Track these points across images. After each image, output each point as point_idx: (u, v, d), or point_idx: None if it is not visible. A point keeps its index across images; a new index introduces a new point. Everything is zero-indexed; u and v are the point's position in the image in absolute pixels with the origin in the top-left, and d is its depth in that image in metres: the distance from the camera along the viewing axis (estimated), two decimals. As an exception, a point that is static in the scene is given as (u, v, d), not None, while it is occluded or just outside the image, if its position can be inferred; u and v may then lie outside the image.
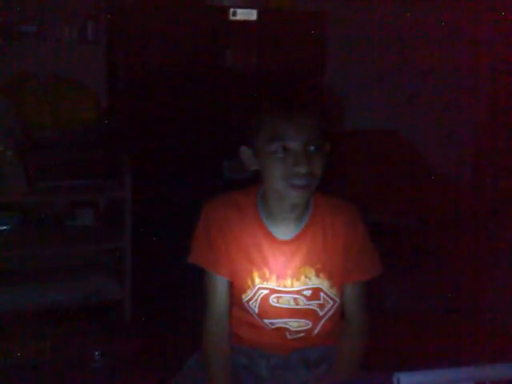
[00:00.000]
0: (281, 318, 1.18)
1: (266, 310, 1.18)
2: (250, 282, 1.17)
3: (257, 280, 1.16)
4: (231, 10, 2.25)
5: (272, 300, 1.17)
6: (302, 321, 1.18)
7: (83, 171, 2.17)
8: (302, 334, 1.20)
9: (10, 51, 2.15)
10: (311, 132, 1.06)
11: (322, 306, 1.18)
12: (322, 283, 1.16)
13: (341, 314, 1.22)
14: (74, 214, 2.31)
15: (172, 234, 2.05)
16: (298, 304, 1.16)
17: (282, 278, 1.16)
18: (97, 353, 2.07)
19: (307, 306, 1.17)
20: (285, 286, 1.16)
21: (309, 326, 1.19)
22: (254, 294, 1.17)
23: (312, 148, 1.06)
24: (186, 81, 1.94)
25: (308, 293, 1.16)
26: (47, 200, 2.26)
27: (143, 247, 2.20)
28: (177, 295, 2.22)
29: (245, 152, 1.13)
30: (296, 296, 1.16)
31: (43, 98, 2.10)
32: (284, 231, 1.15)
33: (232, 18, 2.25)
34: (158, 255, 2.19)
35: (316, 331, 1.21)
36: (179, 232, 2.00)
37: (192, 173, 2.00)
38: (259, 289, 1.16)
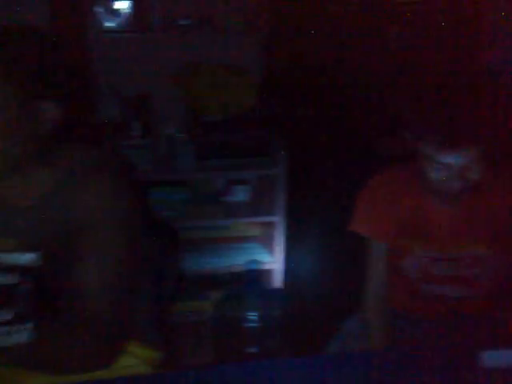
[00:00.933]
0: (440, 284, 1.27)
1: (425, 276, 1.28)
2: (410, 249, 1.28)
3: (417, 247, 1.27)
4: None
5: (432, 266, 1.27)
6: (461, 288, 1.26)
7: (242, 150, 2.40)
8: (461, 301, 1.28)
9: (179, 42, 2.43)
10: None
11: (481, 273, 1.25)
12: (483, 250, 1.22)
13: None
14: (231, 190, 2.56)
15: (322, 209, 2.22)
16: (458, 271, 1.25)
17: (442, 245, 1.25)
18: (251, 314, 2.31)
19: (467, 273, 1.25)
20: (445, 253, 1.25)
21: (468, 293, 1.26)
22: (414, 260, 1.28)
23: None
24: (339, 66, 2.06)
25: (468, 260, 1.23)
26: (210, 177, 2.54)
27: (295, 220, 2.39)
28: (325, 267, 2.38)
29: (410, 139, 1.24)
30: (456, 263, 1.24)
31: (210, 84, 2.36)
32: (443, 201, 1.24)
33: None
34: (308, 228, 2.36)
35: (476, 299, 1.27)
36: (328, 207, 2.17)
37: (343, 150, 2.12)
38: (419, 256, 1.27)
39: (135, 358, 1.27)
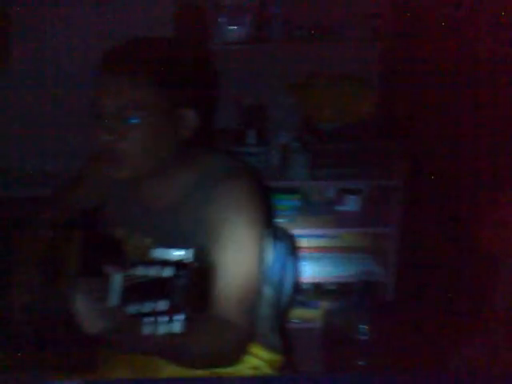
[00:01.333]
0: None
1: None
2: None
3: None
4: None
5: None
6: None
7: (357, 160, 2.38)
8: None
9: (297, 52, 2.46)
10: None
11: None
12: None
13: None
14: (344, 200, 2.55)
15: (439, 222, 2.14)
16: None
17: None
18: (362, 326, 2.28)
19: None
20: None
21: None
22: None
23: None
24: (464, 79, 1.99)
25: None
26: (322, 186, 2.54)
27: (409, 233, 2.33)
28: (438, 282, 2.29)
29: None
30: None
31: (327, 93, 2.38)
32: None
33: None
34: (422, 241, 2.29)
35: None
36: (446, 221, 2.09)
37: (468, 162, 2.02)
38: None
39: (260, 360, 1.30)
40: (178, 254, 0.85)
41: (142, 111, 1.11)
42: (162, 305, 0.82)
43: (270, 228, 1.30)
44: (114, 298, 0.91)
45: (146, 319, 0.85)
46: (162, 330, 0.83)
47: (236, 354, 1.16)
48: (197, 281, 0.83)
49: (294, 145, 2.41)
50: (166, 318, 0.83)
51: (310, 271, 2.44)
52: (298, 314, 2.41)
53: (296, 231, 2.39)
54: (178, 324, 0.83)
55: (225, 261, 1.14)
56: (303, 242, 2.51)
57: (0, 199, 2.08)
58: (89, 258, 1.30)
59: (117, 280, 0.91)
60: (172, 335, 0.84)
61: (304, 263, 2.46)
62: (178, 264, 0.84)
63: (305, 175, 2.38)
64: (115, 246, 1.29)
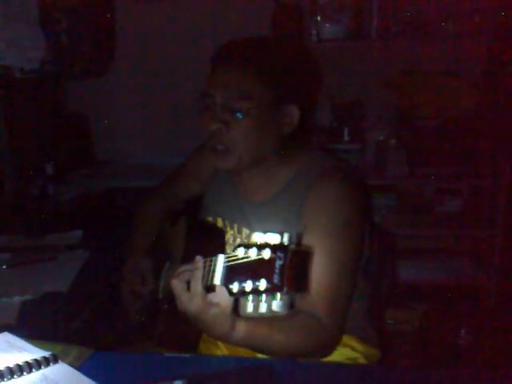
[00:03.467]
0: None
1: None
2: None
3: None
4: None
5: None
6: None
7: (456, 159, 2.30)
8: None
9: (394, 49, 2.42)
10: None
11: None
12: None
13: None
14: (442, 200, 2.47)
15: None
16: None
17: None
18: (463, 330, 2.20)
19: None
20: None
21: None
22: None
23: None
24: None
25: None
26: (420, 185, 2.48)
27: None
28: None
29: None
30: None
31: (425, 91, 2.32)
32: None
33: None
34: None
35: None
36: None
37: None
38: None
39: (356, 352, 1.30)
40: (275, 237, 0.89)
41: (249, 105, 1.16)
42: (262, 284, 0.86)
43: (366, 225, 1.30)
44: (218, 278, 0.95)
45: (245, 297, 0.88)
46: (262, 307, 0.87)
47: (329, 343, 1.17)
48: (294, 262, 0.86)
49: (390, 142, 2.38)
50: (265, 297, 0.86)
51: (406, 272, 2.39)
52: (396, 314, 2.36)
53: (392, 230, 2.37)
54: (276, 302, 0.86)
55: (322, 254, 1.15)
56: (399, 242, 2.47)
57: (110, 189, 2.24)
58: (192, 243, 1.37)
59: (220, 261, 0.95)
60: (266, 318, 0.87)
61: (400, 263, 2.41)
62: (277, 246, 0.87)
63: (402, 174, 2.34)
64: (217, 233, 1.35)
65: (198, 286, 1.00)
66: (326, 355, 1.19)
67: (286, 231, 0.89)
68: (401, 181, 2.39)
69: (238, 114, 1.17)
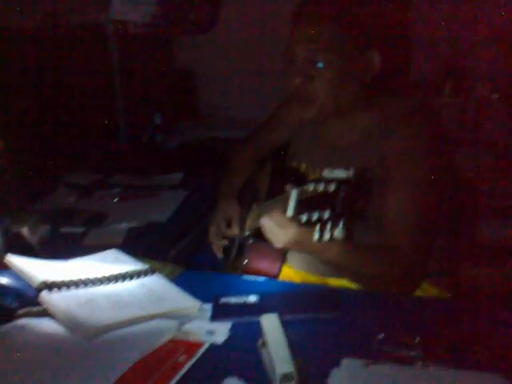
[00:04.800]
0: None
1: None
2: None
3: None
4: None
5: None
6: None
7: None
8: None
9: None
10: None
11: None
12: None
13: None
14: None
15: None
16: None
17: None
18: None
19: None
20: None
21: None
22: None
23: None
24: None
25: None
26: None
27: None
28: None
29: None
30: None
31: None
32: None
33: None
34: None
35: None
36: None
37: None
38: None
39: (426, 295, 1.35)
40: (342, 173, 0.98)
41: (330, 55, 1.23)
42: (327, 214, 0.95)
43: (448, 177, 1.34)
44: (291, 210, 1.06)
45: (314, 226, 0.99)
46: (327, 235, 0.96)
47: (403, 281, 1.25)
48: (355, 194, 0.95)
49: (493, 97, 2.31)
50: (329, 225, 0.96)
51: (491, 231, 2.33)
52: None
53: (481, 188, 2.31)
54: (338, 230, 0.95)
55: (407, 193, 1.23)
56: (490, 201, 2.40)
57: (210, 139, 2.41)
58: (277, 186, 1.48)
59: (293, 195, 1.06)
60: (336, 241, 0.97)
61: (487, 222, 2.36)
62: (342, 180, 0.96)
63: (504, 129, 2.27)
64: (300, 177, 1.45)
65: (278, 217, 1.12)
66: (411, 289, 1.28)
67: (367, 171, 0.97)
68: (502, 137, 2.31)
69: (320, 65, 1.24)
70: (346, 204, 0.94)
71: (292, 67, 1.28)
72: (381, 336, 0.93)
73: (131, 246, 1.43)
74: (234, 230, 1.54)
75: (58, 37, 1.92)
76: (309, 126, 1.45)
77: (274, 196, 1.30)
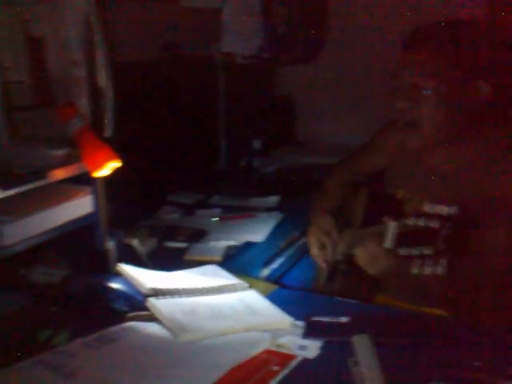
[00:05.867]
0: None
1: None
2: None
3: None
4: None
5: None
6: None
7: None
8: None
9: None
10: None
11: None
12: None
13: None
14: None
15: None
16: None
17: None
18: None
19: None
20: None
21: None
22: None
23: None
24: None
25: None
26: None
27: None
28: None
29: None
30: None
31: None
32: None
33: None
34: None
35: None
36: None
37: None
38: None
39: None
40: (444, 209, 0.99)
41: (437, 82, 1.25)
42: (428, 250, 0.97)
43: None
44: (389, 242, 1.08)
45: (414, 261, 1.01)
46: (427, 270, 0.98)
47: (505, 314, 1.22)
48: (457, 232, 0.96)
49: None
50: (431, 261, 0.97)
51: None
52: None
53: None
54: (441, 267, 0.97)
55: (500, 227, 1.20)
56: None
57: (306, 165, 2.48)
58: (372, 212, 1.50)
59: (392, 227, 1.08)
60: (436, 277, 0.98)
61: None
62: (444, 217, 0.97)
63: None
64: (395, 204, 1.46)
65: (376, 247, 1.15)
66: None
67: (466, 204, 0.98)
68: None
69: (426, 91, 1.26)
70: (449, 241, 0.96)
71: (398, 93, 1.31)
72: (476, 363, 0.92)
73: (229, 262, 1.52)
74: (333, 241, 1.56)
75: (173, 66, 2.09)
76: (409, 152, 1.46)
77: (370, 223, 1.33)
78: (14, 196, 1.11)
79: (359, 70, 2.68)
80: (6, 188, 1.07)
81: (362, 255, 1.20)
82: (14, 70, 1.53)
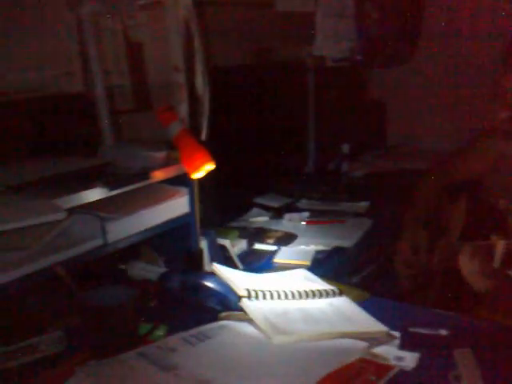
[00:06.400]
0: None
1: None
2: None
3: None
4: None
5: None
6: None
7: None
8: None
9: None
10: None
11: None
12: None
13: None
14: None
15: None
16: None
17: None
18: None
19: None
20: None
21: None
22: None
23: None
24: None
25: None
26: None
27: None
28: None
29: None
30: None
31: None
32: None
33: None
34: None
35: None
36: None
37: None
38: None
39: None
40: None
41: None
42: None
43: None
44: (497, 262, 1.04)
45: None
46: None
47: None
48: None
49: None
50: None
51: None
52: None
53: None
54: None
55: None
56: None
57: (395, 171, 2.42)
58: (473, 222, 1.44)
59: (500, 246, 1.04)
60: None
61: None
62: None
63: None
64: (497, 214, 1.39)
65: (481, 265, 1.11)
66: None
67: None
68: None
69: None
70: None
71: (500, 100, 1.26)
72: None
73: (317, 266, 1.51)
74: (422, 259, 1.52)
75: (265, 71, 2.12)
76: (510, 160, 1.39)
77: (470, 234, 1.28)
78: (117, 195, 1.16)
79: (452, 73, 2.59)
80: (112, 188, 1.12)
81: (469, 271, 1.17)
82: (116, 74, 1.61)
